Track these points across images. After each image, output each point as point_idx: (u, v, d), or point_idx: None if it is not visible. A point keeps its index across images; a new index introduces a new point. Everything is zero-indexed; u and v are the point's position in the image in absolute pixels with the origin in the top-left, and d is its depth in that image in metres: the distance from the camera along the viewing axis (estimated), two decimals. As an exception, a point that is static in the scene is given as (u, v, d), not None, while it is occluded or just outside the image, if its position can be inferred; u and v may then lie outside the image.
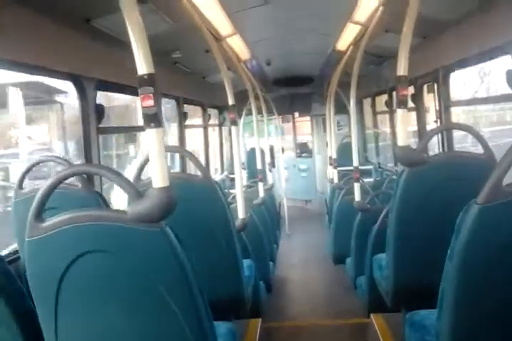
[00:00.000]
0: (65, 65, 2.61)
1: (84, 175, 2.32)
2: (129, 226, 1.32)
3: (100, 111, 2.95)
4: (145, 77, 1.31)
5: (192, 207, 2.18)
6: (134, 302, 1.40)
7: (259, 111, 5.40)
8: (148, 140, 1.33)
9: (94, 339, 1.44)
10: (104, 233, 1.35)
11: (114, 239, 1.35)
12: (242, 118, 6.83)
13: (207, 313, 1.47)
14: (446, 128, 3.54)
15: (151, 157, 1.33)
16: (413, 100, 4.45)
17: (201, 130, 6.07)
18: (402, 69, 2.05)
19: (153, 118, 1.32)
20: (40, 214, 1.37)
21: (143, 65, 1.30)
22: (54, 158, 2.25)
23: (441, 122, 3.80)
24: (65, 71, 2.64)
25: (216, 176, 6.81)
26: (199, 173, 2.26)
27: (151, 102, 1.31)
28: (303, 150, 9.36)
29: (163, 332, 1.42)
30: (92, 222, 1.34)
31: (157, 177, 1.32)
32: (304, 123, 9.66)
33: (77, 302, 1.41)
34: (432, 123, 4.30)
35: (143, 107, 1.32)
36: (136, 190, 1.33)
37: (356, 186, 3.53)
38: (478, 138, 2.07)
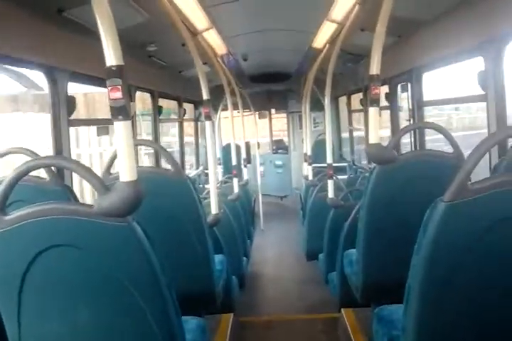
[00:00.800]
0: (36, 56, 2.54)
1: (53, 169, 2.28)
2: (96, 220, 1.30)
3: (71, 102, 2.89)
4: (113, 68, 1.29)
5: (163, 201, 2.16)
6: (99, 298, 1.39)
7: (236, 107, 5.38)
8: (117, 133, 1.30)
9: (60, 333, 1.42)
10: (70, 227, 1.32)
11: (79, 233, 1.33)
12: (219, 113, 6.80)
13: (175, 308, 1.47)
14: (418, 126, 3.60)
15: (118, 150, 1.31)
16: (387, 99, 4.51)
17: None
18: (374, 68, 2.07)
19: (121, 111, 1.30)
20: (3, 207, 1.34)
21: (111, 56, 1.28)
22: (22, 149, 2.19)
23: (413, 121, 3.86)
24: (36, 61, 2.58)
25: (191, 171, 6.77)
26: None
27: (118, 94, 1.29)
28: (279, 146, 9.39)
29: (129, 328, 1.41)
30: (57, 216, 1.32)
31: (125, 171, 1.31)
32: (279, 120, 9.69)
33: (41, 297, 1.38)
34: (404, 122, 4.38)
35: (110, 99, 1.30)
36: (103, 183, 1.31)
37: (330, 183, 3.57)
38: (448, 137, 2.12)
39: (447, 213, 1.29)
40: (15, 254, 1.35)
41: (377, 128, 2.08)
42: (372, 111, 2.08)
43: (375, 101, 2.08)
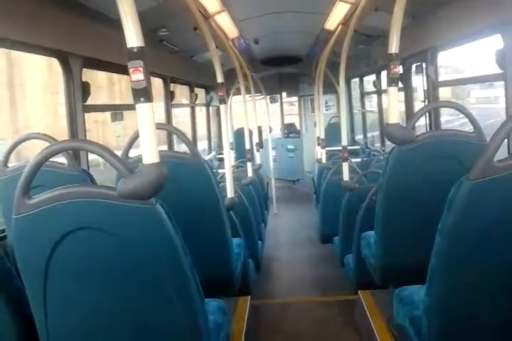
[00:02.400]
0: (50, 42, 2.54)
1: (71, 153, 2.30)
2: (120, 203, 1.31)
3: (86, 88, 2.90)
4: (134, 50, 1.28)
5: (181, 185, 2.17)
6: (124, 280, 1.40)
7: (248, 91, 5.36)
8: (139, 115, 1.30)
9: (85, 316, 1.44)
10: (94, 210, 1.33)
11: (104, 216, 1.34)
12: (231, 97, 6.77)
13: (198, 290, 1.48)
14: (437, 106, 3.55)
15: (141, 133, 1.31)
16: (401, 80, 4.45)
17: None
18: (393, 46, 2.04)
19: (143, 93, 1.29)
20: (27, 191, 1.35)
21: (132, 38, 1.27)
22: (40, 135, 2.21)
23: (428, 102, 3.81)
24: (50, 47, 2.58)
25: (204, 156, 6.78)
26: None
27: (140, 76, 1.28)
28: (290, 130, 9.36)
29: (154, 309, 1.43)
30: (81, 199, 1.32)
31: (148, 153, 1.30)
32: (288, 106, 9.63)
33: (66, 280, 1.40)
34: (419, 103, 4.33)
35: (132, 81, 1.28)
36: (126, 166, 1.32)
37: (345, 166, 3.55)
38: (469, 116, 2.08)
39: (473, 191, 1.28)
40: (40, 238, 1.36)
41: (397, 108, 2.06)
42: (392, 90, 2.06)
43: (394, 81, 2.05)
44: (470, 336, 1.45)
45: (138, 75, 1.28)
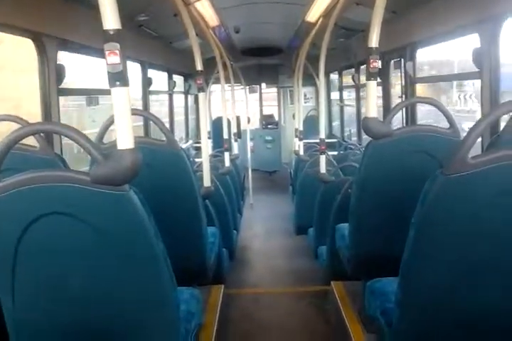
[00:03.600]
0: (25, 22, 2.46)
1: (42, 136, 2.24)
2: (92, 188, 1.28)
3: (61, 71, 2.82)
4: (111, 32, 1.24)
5: (156, 173, 2.15)
6: (95, 266, 1.38)
7: (227, 80, 5.32)
8: (114, 99, 1.26)
9: (54, 303, 1.42)
10: (66, 195, 1.30)
11: (75, 201, 1.31)
12: (209, 86, 6.72)
13: (171, 278, 1.48)
14: (414, 101, 3.60)
15: (116, 117, 1.28)
16: (380, 75, 4.49)
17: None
18: (373, 40, 2.04)
19: (119, 77, 1.25)
20: None
21: (109, 20, 1.23)
22: (11, 117, 2.14)
23: (406, 98, 3.86)
24: (24, 27, 2.50)
25: (181, 145, 6.72)
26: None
27: (116, 59, 1.24)
28: (269, 121, 9.36)
29: (124, 296, 1.42)
30: (53, 184, 1.29)
31: (122, 139, 1.27)
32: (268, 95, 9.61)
33: (35, 265, 1.37)
34: (395, 99, 4.38)
35: (108, 64, 1.25)
36: (100, 151, 1.29)
37: (322, 158, 3.58)
38: (444, 112, 2.12)
39: (446, 186, 1.30)
40: (8, 222, 1.33)
41: (375, 102, 2.07)
42: (370, 84, 2.07)
43: (373, 75, 2.06)
44: (441, 328, 1.48)
45: (114, 58, 1.24)
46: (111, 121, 2.14)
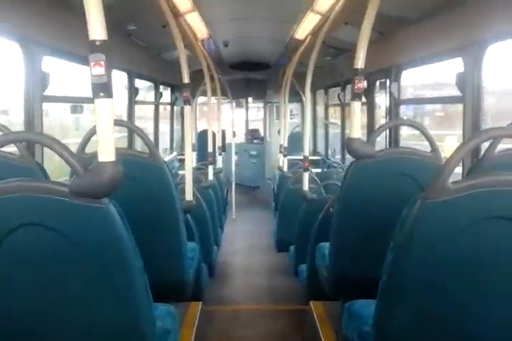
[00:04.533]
0: (12, 27, 2.44)
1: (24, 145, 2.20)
2: (70, 200, 1.25)
3: (46, 78, 2.78)
4: (97, 43, 1.23)
5: (137, 186, 2.12)
6: (71, 278, 1.34)
7: (214, 94, 5.33)
8: (97, 111, 1.25)
9: (27, 314, 1.37)
10: (43, 206, 1.27)
11: (53, 213, 1.27)
12: (196, 98, 6.71)
13: (147, 294, 1.44)
14: (398, 123, 3.64)
15: (98, 129, 1.26)
16: (365, 95, 4.54)
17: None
18: (359, 62, 2.07)
19: (103, 88, 1.24)
20: None
21: (95, 30, 1.22)
22: None
23: (390, 118, 3.91)
24: (12, 32, 2.47)
25: (165, 156, 6.68)
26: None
27: (101, 70, 1.23)
28: (254, 136, 9.38)
29: (99, 310, 1.38)
30: (30, 194, 1.26)
31: (104, 151, 1.26)
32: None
33: (9, 277, 1.33)
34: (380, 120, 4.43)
35: (92, 75, 1.23)
36: (81, 162, 1.26)
37: (305, 175, 3.58)
38: (427, 136, 2.14)
39: (426, 211, 1.30)
40: None
41: (359, 122, 2.09)
42: (355, 105, 2.08)
43: (358, 96, 2.08)
44: None
45: (98, 69, 1.23)
46: (93, 131, 2.11)
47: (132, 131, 2.33)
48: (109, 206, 1.29)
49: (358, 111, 2.09)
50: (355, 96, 2.09)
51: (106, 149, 1.26)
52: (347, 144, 2.08)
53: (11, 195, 1.26)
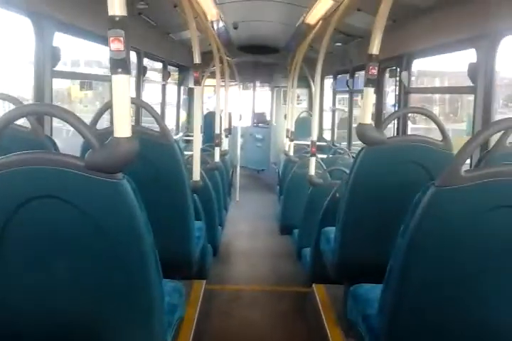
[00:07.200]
0: (24, 1, 2.42)
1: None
2: (86, 174, 1.27)
3: (57, 53, 2.77)
4: (116, 18, 1.22)
5: (148, 164, 2.13)
6: (82, 252, 1.36)
7: (222, 76, 5.31)
8: (114, 86, 1.25)
9: (38, 287, 1.40)
10: (58, 179, 1.28)
11: (67, 186, 1.29)
12: (204, 80, 6.68)
13: (157, 269, 1.47)
14: (410, 111, 3.62)
15: (115, 105, 1.26)
16: (374, 82, 4.52)
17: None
18: (374, 48, 2.05)
19: (121, 64, 1.23)
20: None
21: (115, 6, 1.21)
22: (5, 96, 2.11)
23: (399, 107, 3.90)
24: (23, 7, 2.46)
25: None
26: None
27: (120, 46, 1.22)
28: (260, 119, 9.36)
29: (110, 284, 1.40)
30: (45, 166, 1.27)
31: (120, 127, 1.26)
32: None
33: (22, 249, 1.35)
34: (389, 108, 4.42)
35: (111, 50, 1.23)
36: (96, 137, 1.27)
37: (312, 160, 3.59)
38: (438, 124, 2.14)
39: (438, 198, 1.32)
40: None
41: (371, 108, 2.09)
42: (368, 91, 2.08)
43: (372, 82, 2.07)
44: (423, 337, 1.49)
45: (117, 45, 1.22)
46: (106, 107, 2.12)
47: (144, 108, 2.33)
48: (124, 181, 1.31)
49: (370, 97, 2.08)
50: (369, 82, 2.08)
51: (122, 125, 1.27)
52: (357, 130, 2.08)
53: (27, 167, 1.27)
